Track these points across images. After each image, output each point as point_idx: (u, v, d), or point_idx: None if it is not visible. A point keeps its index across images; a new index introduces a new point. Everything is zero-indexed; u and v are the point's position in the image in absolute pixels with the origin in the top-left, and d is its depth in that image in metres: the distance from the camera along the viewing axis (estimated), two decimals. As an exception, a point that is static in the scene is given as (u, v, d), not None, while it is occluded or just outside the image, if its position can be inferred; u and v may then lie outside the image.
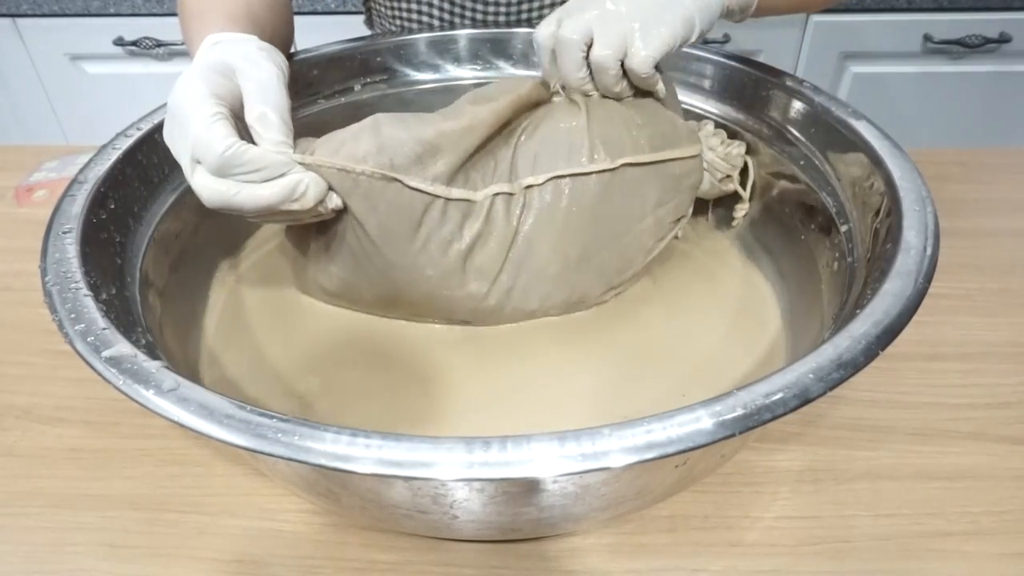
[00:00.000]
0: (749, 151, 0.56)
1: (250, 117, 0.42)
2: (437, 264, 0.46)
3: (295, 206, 0.42)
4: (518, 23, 0.68)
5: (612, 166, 0.47)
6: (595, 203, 0.47)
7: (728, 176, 0.55)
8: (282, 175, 0.41)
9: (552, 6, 0.67)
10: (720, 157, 0.54)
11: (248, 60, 0.43)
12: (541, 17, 0.67)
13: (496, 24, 0.68)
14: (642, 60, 0.45)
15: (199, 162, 0.40)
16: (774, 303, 0.52)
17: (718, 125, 0.57)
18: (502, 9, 0.67)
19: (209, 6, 0.48)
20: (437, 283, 0.46)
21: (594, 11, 0.45)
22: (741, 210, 0.57)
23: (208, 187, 0.40)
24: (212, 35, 0.45)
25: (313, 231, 0.48)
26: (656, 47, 0.44)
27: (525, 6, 0.67)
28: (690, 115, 0.59)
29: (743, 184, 0.56)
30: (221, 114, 0.40)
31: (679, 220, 0.52)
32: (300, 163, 0.42)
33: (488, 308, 0.48)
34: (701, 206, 0.58)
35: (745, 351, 0.48)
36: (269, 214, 0.42)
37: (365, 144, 0.43)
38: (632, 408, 0.44)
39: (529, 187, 0.47)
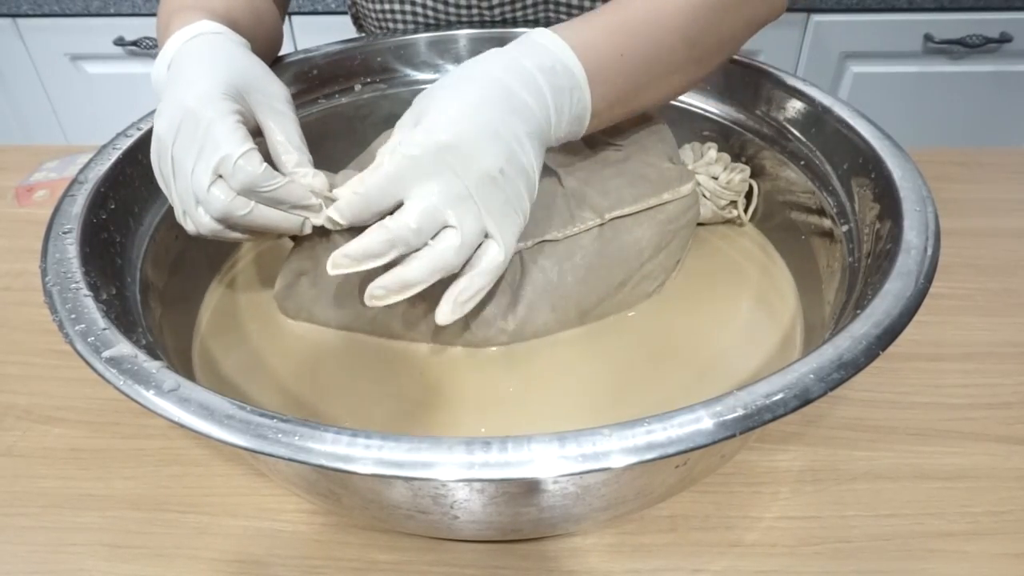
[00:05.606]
0: (754, 174, 0.56)
1: (283, 159, 0.42)
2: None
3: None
4: (504, 23, 0.67)
5: (601, 221, 0.47)
6: (590, 259, 0.47)
7: (732, 202, 0.55)
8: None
9: (533, 6, 0.66)
10: (722, 186, 0.54)
11: (260, 90, 0.43)
12: (523, 21, 0.67)
13: (486, 25, 0.67)
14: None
15: (220, 176, 0.40)
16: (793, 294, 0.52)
17: (718, 125, 0.56)
18: (485, 14, 0.66)
19: (187, 3, 0.47)
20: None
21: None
22: (738, 224, 0.57)
23: (223, 200, 0.40)
24: (193, 24, 0.44)
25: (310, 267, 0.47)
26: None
27: (508, 7, 0.66)
28: (692, 117, 0.59)
29: (746, 208, 0.56)
30: (248, 136, 0.40)
31: (678, 262, 0.52)
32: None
33: (491, 344, 0.48)
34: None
35: (760, 346, 0.48)
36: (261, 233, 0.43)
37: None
38: (642, 407, 0.43)
39: (519, 252, 0.47)
